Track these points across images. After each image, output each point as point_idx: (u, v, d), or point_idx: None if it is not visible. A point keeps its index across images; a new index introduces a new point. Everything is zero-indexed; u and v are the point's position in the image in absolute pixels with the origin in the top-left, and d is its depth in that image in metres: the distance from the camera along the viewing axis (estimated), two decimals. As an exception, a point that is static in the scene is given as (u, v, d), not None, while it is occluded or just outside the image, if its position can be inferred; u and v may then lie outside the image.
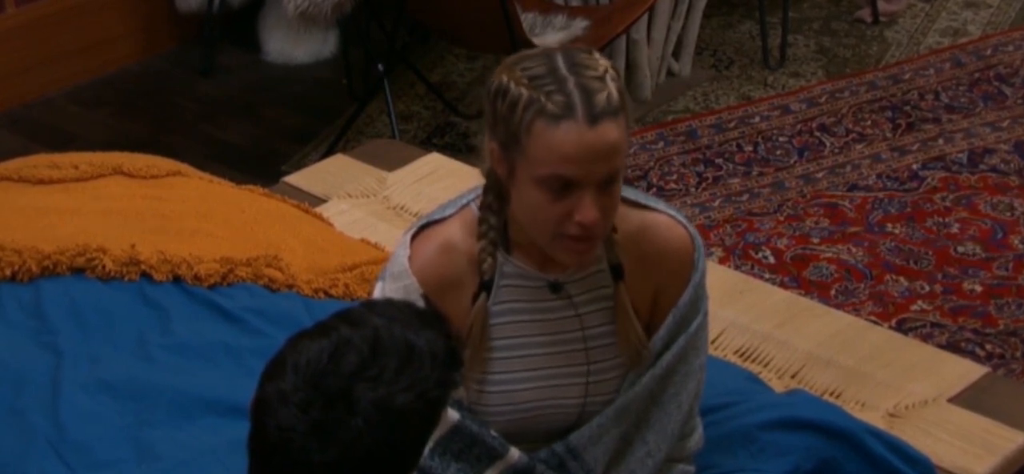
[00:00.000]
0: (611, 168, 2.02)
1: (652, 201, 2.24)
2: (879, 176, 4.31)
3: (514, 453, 2.24)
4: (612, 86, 2.02)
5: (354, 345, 1.72)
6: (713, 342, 2.91)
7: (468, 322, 2.17)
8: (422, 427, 1.75)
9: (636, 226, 2.20)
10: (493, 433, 2.22)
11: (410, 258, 2.17)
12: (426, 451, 1.82)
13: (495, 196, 2.15)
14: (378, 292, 2.20)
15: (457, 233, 2.18)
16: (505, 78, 2.04)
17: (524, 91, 2.01)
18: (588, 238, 2.06)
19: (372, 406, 1.69)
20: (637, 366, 2.24)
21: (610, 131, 2.00)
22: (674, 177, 4.35)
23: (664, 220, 2.22)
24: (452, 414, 2.20)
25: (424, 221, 2.22)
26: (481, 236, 2.16)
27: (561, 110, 1.99)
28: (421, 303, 2.13)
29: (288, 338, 1.78)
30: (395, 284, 2.17)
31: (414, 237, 2.20)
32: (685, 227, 2.23)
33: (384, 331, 1.73)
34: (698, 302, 2.25)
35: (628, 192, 2.22)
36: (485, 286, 2.17)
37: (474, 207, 2.19)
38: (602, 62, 2.05)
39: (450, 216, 2.20)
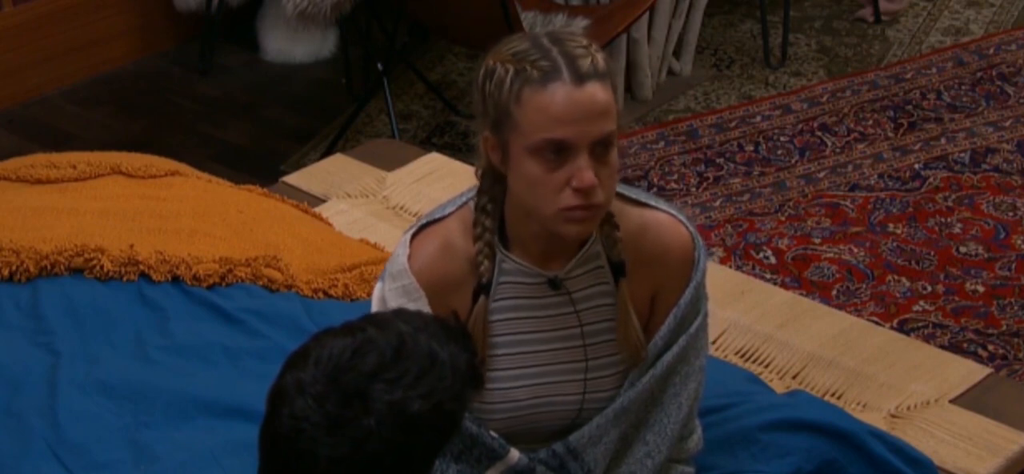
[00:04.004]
0: (603, 130, 2.02)
1: (653, 200, 2.23)
2: (881, 176, 4.30)
3: (514, 454, 2.23)
4: (598, 55, 2.04)
5: (377, 346, 1.73)
6: (714, 343, 2.90)
7: (467, 323, 2.16)
8: (434, 438, 1.75)
9: (637, 224, 2.20)
10: (493, 434, 2.21)
11: (409, 257, 2.17)
12: None
13: (489, 197, 2.15)
14: (378, 292, 2.20)
15: (456, 232, 2.18)
16: (491, 62, 2.06)
17: (510, 66, 2.03)
18: (588, 206, 2.05)
19: (387, 408, 1.70)
20: (635, 365, 2.23)
21: (598, 91, 2.01)
22: (675, 177, 4.34)
23: (665, 219, 2.21)
24: None
25: (424, 221, 2.22)
26: (477, 238, 2.15)
27: (547, 73, 2.01)
28: (422, 302, 2.14)
29: (315, 333, 1.79)
30: (394, 284, 2.17)
31: (414, 237, 2.19)
32: (686, 226, 2.22)
33: (409, 337, 1.75)
34: (698, 302, 2.25)
35: (628, 191, 2.22)
36: (483, 289, 2.16)
37: (472, 205, 2.19)
38: (585, 39, 2.07)
39: (449, 215, 2.20)
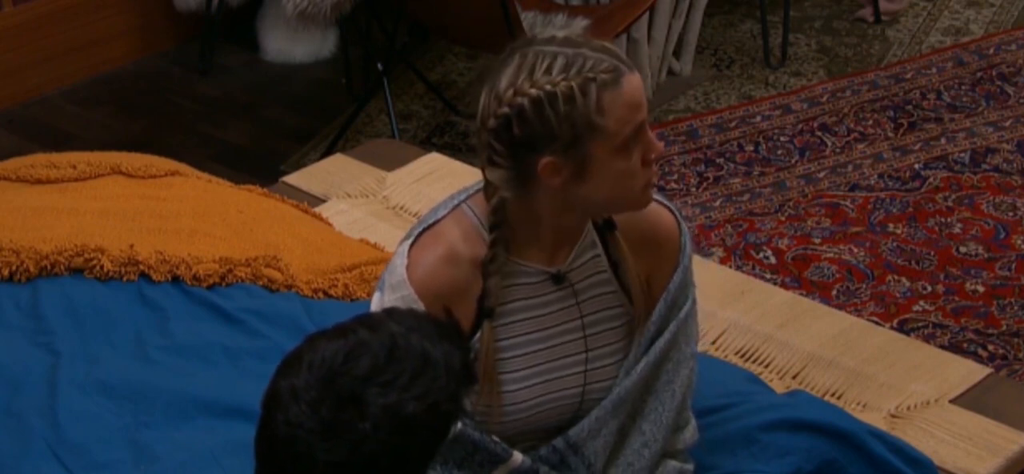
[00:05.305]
0: None
1: None
2: (881, 176, 4.30)
3: (517, 457, 2.23)
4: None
5: (370, 349, 1.73)
6: (714, 343, 2.90)
7: (474, 346, 2.15)
8: (430, 438, 1.75)
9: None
10: (494, 438, 2.21)
11: (408, 268, 2.14)
12: None
13: (506, 224, 2.13)
14: (376, 303, 2.17)
15: (458, 240, 2.16)
16: (534, 91, 2.04)
17: (572, 82, 2.03)
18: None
19: (381, 411, 1.70)
20: (642, 324, 2.23)
21: None
22: (675, 177, 4.34)
23: (650, 205, 2.22)
24: None
25: (419, 228, 2.19)
26: (492, 273, 2.14)
27: (613, 71, 2.04)
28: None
29: (307, 336, 1.78)
30: (393, 295, 2.13)
31: (412, 246, 2.17)
32: (671, 211, 2.25)
33: (401, 338, 1.74)
34: (687, 287, 2.27)
35: None
36: (487, 314, 2.15)
37: (466, 208, 2.17)
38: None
39: (444, 218, 2.18)
